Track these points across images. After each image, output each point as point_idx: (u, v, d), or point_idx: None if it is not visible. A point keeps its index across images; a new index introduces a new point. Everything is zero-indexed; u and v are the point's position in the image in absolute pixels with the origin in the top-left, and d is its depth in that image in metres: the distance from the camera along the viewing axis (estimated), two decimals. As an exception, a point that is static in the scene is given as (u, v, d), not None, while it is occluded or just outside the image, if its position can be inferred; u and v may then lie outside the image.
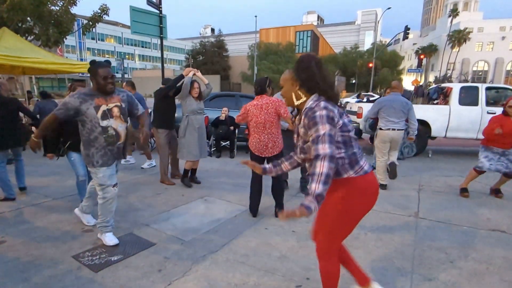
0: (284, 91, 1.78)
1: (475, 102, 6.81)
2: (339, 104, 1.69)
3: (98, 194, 2.81)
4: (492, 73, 53.01)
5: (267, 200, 3.76)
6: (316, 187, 1.40)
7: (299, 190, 4.44)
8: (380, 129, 4.61)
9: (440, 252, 2.76)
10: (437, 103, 7.70)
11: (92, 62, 2.69)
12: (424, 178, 5.31)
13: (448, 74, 39.44)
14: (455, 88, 7.00)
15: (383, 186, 4.63)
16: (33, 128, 4.05)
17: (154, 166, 5.71)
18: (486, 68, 54.41)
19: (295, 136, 1.77)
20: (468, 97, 6.86)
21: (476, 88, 6.90)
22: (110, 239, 2.84)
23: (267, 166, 1.91)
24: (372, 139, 5.96)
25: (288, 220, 1.58)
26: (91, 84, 2.68)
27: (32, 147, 2.73)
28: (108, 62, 2.71)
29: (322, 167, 1.43)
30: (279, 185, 3.61)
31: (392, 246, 2.87)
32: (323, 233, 1.77)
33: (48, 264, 2.46)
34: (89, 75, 2.67)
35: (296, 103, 1.73)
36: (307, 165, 1.75)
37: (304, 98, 1.70)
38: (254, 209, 3.54)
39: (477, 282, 2.33)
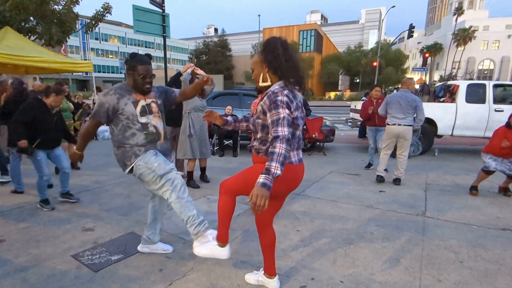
0: (254, 74, 1.81)
1: (482, 100, 6.69)
2: (303, 91, 1.79)
3: (165, 195, 2.21)
4: (498, 72, 52.46)
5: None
6: (275, 166, 1.51)
7: (302, 190, 4.38)
8: (387, 124, 4.71)
9: (449, 252, 2.68)
10: (443, 101, 7.58)
11: (133, 55, 2.33)
12: (431, 176, 5.21)
13: (454, 73, 39.11)
14: (462, 85, 6.88)
15: (380, 178, 4.80)
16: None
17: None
18: (491, 67, 53.89)
19: (253, 111, 1.85)
20: (475, 95, 6.74)
21: (484, 85, 6.78)
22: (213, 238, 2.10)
23: (229, 118, 2.04)
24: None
25: (259, 210, 1.49)
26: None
27: (76, 160, 2.57)
28: (149, 57, 2.38)
29: (281, 148, 1.53)
30: None
31: (399, 245, 2.80)
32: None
33: (47, 264, 2.42)
34: (126, 67, 2.35)
35: (261, 84, 1.77)
36: (255, 143, 1.82)
37: (269, 82, 1.74)
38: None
39: (488, 282, 2.24)
